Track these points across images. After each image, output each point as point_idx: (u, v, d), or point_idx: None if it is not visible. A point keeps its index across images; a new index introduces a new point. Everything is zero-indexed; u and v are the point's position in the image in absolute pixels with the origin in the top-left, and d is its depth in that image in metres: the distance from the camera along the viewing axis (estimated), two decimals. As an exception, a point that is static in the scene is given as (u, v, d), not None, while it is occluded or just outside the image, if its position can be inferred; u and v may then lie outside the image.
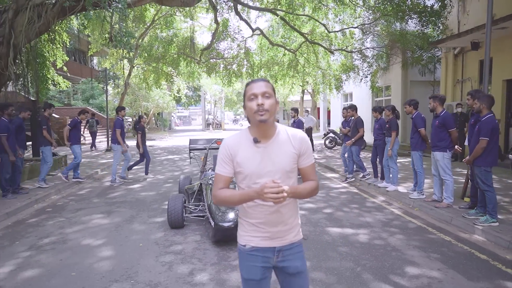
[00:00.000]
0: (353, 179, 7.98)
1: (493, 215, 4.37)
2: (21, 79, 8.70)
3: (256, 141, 1.65)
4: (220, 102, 43.88)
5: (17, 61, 7.92)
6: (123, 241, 4.34)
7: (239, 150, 1.66)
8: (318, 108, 29.34)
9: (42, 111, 8.02)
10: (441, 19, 11.81)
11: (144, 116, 9.33)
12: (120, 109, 8.53)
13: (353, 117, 7.97)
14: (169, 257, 3.80)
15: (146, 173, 9.11)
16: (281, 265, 1.71)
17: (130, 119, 29.98)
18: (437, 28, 12.35)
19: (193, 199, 5.14)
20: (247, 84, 1.69)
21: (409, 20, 12.64)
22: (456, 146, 5.34)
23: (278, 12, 13.62)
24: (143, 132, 8.80)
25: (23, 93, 9.81)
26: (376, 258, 3.70)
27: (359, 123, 7.63)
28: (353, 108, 8.02)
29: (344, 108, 8.84)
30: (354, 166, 8.07)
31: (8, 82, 8.02)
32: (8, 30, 6.97)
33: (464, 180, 5.91)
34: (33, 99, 10.37)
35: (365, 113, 18.34)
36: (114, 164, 8.32)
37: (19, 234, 4.72)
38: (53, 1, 7.14)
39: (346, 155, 8.14)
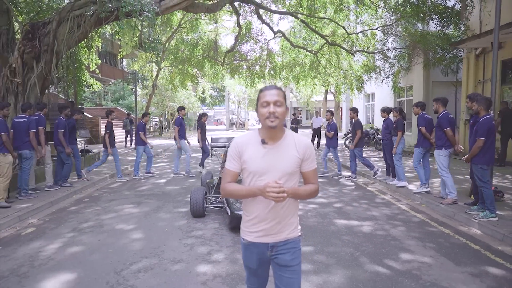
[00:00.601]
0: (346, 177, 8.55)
1: (491, 210, 4.65)
2: (61, 82, 9.58)
3: (263, 142, 1.80)
4: (244, 102, 44.58)
5: (58, 66, 8.78)
6: (151, 227, 4.93)
7: (247, 149, 1.82)
8: (341, 108, 29.37)
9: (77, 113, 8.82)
10: (462, 19, 11.79)
11: (206, 114, 9.98)
12: (180, 108, 9.51)
13: (353, 119, 8.40)
14: (190, 240, 4.34)
15: (202, 165, 9.81)
16: (274, 258, 1.88)
17: (157, 119, 31.17)
18: (458, 29, 12.33)
19: (213, 192, 5.68)
20: (261, 90, 1.83)
21: (430, 21, 12.69)
22: (459, 146, 5.63)
23: (299, 15, 14.00)
24: (202, 128, 9.51)
25: (62, 96, 10.74)
26: (375, 245, 4.08)
27: (357, 125, 8.04)
28: (355, 110, 8.39)
29: (327, 111, 9.31)
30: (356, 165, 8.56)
31: (50, 85, 8.89)
32: (52, 39, 7.80)
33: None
34: (70, 100, 11.32)
35: (386, 113, 18.38)
36: (187, 157, 9.41)
37: (62, 219, 5.43)
38: (91, 13, 7.89)
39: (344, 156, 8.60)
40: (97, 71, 14.09)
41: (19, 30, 9.09)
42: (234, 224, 4.50)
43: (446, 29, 12.41)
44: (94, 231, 4.79)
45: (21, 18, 9.58)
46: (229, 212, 4.50)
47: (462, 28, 12.10)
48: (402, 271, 3.40)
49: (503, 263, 3.56)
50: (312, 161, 1.87)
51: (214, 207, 5.44)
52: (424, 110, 6.39)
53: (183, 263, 3.65)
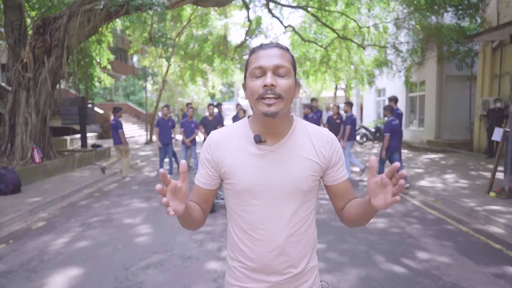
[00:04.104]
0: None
1: None
2: (72, 77, 9.61)
3: (259, 140, 1.10)
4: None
5: (68, 61, 8.79)
6: (160, 222, 4.88)
7: (230, 152, 1.13)
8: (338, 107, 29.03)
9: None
10: (479, 11, 11.46)
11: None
12: (188, 104, 9.46)
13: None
14: (200, 236, 4.27)
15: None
16: None
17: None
18: (474, 21, 11.98)
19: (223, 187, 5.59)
20: (252, 51, 1.10)
21: (445, 13, 12.37)
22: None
23: (309, 8, 13.80)
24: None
25: (73, 91, 10.78)
26: (390, 243, 3.94)
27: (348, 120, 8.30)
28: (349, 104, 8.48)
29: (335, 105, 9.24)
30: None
31: (61, 80, 8.91)
32: (62, 33, 7.80)
33: (490, 175, 5.91)
34: (81, 96, 11.36)
35: (399, 107, 18.08)
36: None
37: (72, 213, 5.42)
38: (101, 7, 7.86)
39: None
40: (108, 66, 14.12)
41: (31, 26, 9.14)
42: (245, 220, 4.41)
43: (462, 21, 12.07)
44: (103, 226, 4.76)
45: (33, 14, 9.62)
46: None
47: (479, 20, 11.74)
48: (421, 270, 3.26)
49: (527, 264, 3.41)
50: (343, 166, 1.19)
51: (224, 203, 5.35)
52: (351, 109, 7.88)
53: (193, 260, 3.58)
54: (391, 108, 6.66)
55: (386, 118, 6.72)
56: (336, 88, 31.27)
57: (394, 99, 7.16)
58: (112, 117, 8.07)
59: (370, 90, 19.87)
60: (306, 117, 8.42)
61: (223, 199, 5.40)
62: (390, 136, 6.42)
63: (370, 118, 21.96)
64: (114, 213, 5.39)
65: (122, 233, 4.42)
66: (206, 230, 4.47)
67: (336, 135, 8.23)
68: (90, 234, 4.41)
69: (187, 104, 8.58)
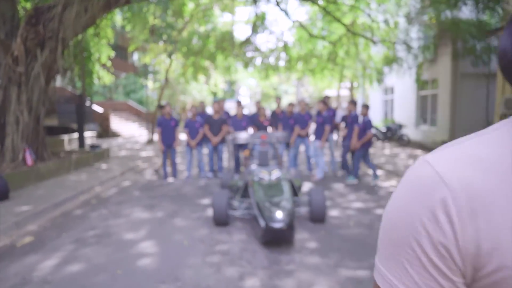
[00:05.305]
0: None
1: (355, 176, 7.09)
2: (68, 72, 8.93)
3: None
4: (255, 96, 43.81)
5: (64, 55, 8.11)
6: (167, 238, 4.21)
7: (504, 220, 0.41)
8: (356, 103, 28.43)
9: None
10: (501, 3, 10.80)
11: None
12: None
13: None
14: (216, 258, 3.60)
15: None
16: None
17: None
18: (495, 14, 11.32)
19: (238, 196, 4.93)
20: None
21: (463, 6, 11.71)
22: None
23: (318, 2, 13.15)
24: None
25: (70, 88, 10.09)
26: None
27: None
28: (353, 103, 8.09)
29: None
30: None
31: (56, 76, 8.23)
32: (57, 24, 7.12)
33: None
34: (78, 94, 10.68)
35: (408, 107, 17.43)
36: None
37: (66, 225, 4.75)
38: (99, -5, 7.19)
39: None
40: (108, 63, 13.38)
41: (24, 17, 8.46)
42: (268, 238, 3.74)
43: (481, 15, 11.41)
44: (100, 242, 4.09)
45: (27, 5, 8.94)
46: (262, 223, 3.72)
47: (501, 12, 11.06)
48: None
49: None
50: None
51: (240, 214, 4.67)
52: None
53: (210, 292, 2.92)
54: (365, 110, 7.17)
55: (364, 117, 7.13)
56: (340, 87, 30.66)
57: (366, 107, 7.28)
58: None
59: (377, 88, 19.21)
60: (321, 116, 7.74)
61: (237, 209, 4.72)
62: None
63: (377, 118, 21.31)
64: (113, 225, 4.72)
65: (122, 253, 3.75)
66: (222, 250, 3.80)
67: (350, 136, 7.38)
68: (84, 254, 3.74)
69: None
